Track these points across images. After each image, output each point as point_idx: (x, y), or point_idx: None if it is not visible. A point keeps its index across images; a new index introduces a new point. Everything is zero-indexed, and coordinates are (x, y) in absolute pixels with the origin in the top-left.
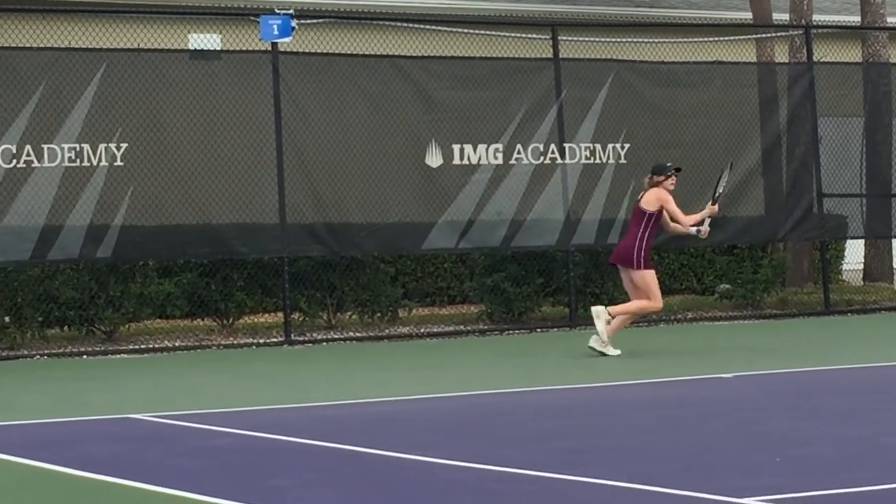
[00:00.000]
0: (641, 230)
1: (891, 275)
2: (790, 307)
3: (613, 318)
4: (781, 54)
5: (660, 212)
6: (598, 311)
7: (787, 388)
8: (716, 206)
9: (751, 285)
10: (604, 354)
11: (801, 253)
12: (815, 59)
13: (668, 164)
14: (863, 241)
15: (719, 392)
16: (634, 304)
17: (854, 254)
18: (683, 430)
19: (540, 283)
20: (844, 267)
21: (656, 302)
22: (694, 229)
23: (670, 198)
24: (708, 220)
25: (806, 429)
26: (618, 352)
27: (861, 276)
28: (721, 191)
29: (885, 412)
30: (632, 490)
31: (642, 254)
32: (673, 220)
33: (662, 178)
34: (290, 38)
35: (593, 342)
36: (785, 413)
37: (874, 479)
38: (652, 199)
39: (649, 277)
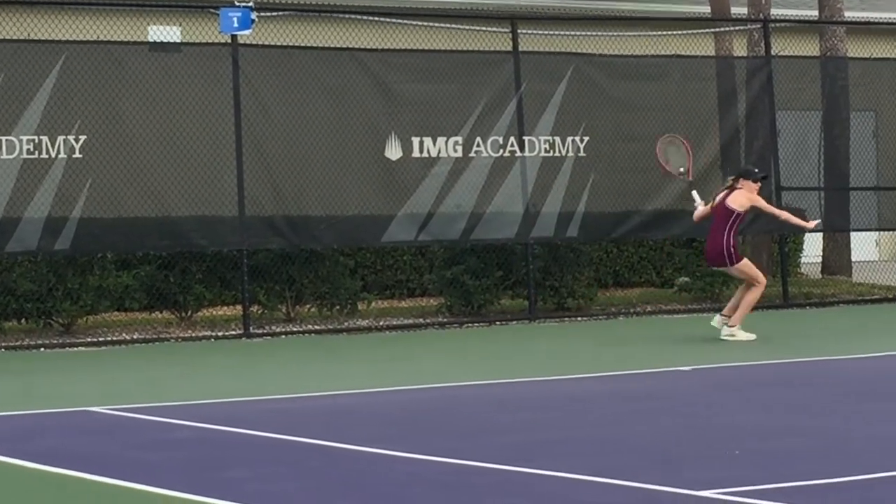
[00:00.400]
0: (728, 228)
1: (849, 268)
2: None
3: (731, 318)
4: (740, 48)
5: (746, 211)
6: (717, 323)
7: (746, 381)
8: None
9: (709, 278)
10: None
11: (759, 246)
12: (773, 52)
13: (757, 170)
14: (821, 234)
15: (678, 385)
16: (747, 300)
17: (812, 247)
18: (642, 422)
19: (499, 275)
20: (803, 260)
21: (761, 283)
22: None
23: (756, 196)
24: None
25: (764, 421)
26: (753, 336)
27: (819, 269)
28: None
29: (843, 404)
30: (590, 482)
31: (732, 250)
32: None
33: (751, 182)
34: (250, 30)
35: (724, 335)
36: (743, 406)
37: (833, 472)
38: (743, 199)
39: (745, 266)
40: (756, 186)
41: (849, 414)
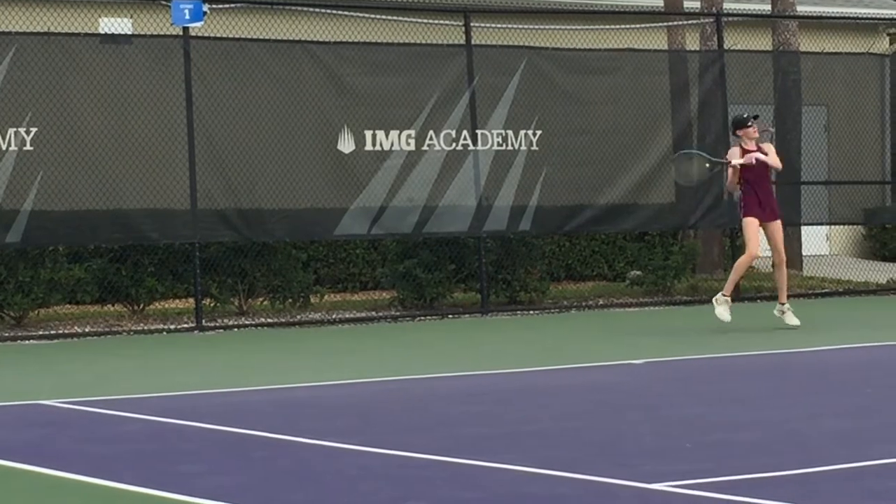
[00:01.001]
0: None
1: (800, 262)
2: (701, 294)
3: (729, 297)
4: (692, 42)
5: (746, 164)
6: (717, 298)
7: (698, 374)
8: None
9: (661, 272)
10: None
11: (711, 240)
12: (725, 46)
13: (745, 115)
14: None
15: (630, 378)
16: (736, 270)
17: (763, 241)
18: (595, 415)
19: (452, 269)
20: None
21: (747, 252)
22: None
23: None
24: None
25: (717, 414)
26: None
27: (770, 262)
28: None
29: (795, 398)
30: (543, 476)
31: (740, 204)
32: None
33: (744, 129)
34: (202, 22)
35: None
36: (696, 399)
37: (785, 464)
38: (736, 153)
39: (743, 226)
40: (752, 130)
41: (799, 407)
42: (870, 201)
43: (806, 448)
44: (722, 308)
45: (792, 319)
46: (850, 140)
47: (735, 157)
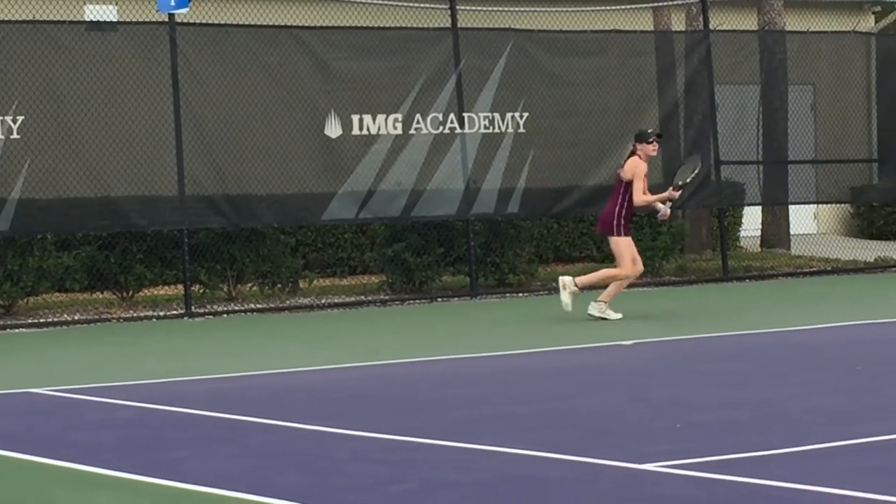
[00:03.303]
0: (621, 198)
1: (788, 241)
2: (689, 274)
3: (581, 289)
4: (678, 23)
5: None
6: (565, 282)
7: (687, 355)
8: (676, 193)
9: (650, 252)
10: (605, 319)
11: (699, 220)
12: (711, 27)
13: (650, 131)
14: (760, 207)
15: (620, 359)
16: (601, 273)
17: (751, 221)
18: (584, 397)
19: (440, 252)
20: (742, 234)
21: (625, 269)
22: (659, 206)
23: (641, 170)
24: (668, 203)
25: (706, 394)
26: (619, 315)
27: (758, 242)
28: (685, 182)
29: (784, 377)
30: (533, 457)
31: (622, 221)
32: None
33: (643, 144)
34: (187, 9)
35: (592, 309)
36: (685, 379)
37: (775, 444)
38: (629, 167)
39: (623, 245)
40: (651, 147)
41: (788, 386)
42: (857, 180)
43: (795, 427)
44: (611, 312)
45: (610, 314)
46: (837, 119)
47: (641, 167)
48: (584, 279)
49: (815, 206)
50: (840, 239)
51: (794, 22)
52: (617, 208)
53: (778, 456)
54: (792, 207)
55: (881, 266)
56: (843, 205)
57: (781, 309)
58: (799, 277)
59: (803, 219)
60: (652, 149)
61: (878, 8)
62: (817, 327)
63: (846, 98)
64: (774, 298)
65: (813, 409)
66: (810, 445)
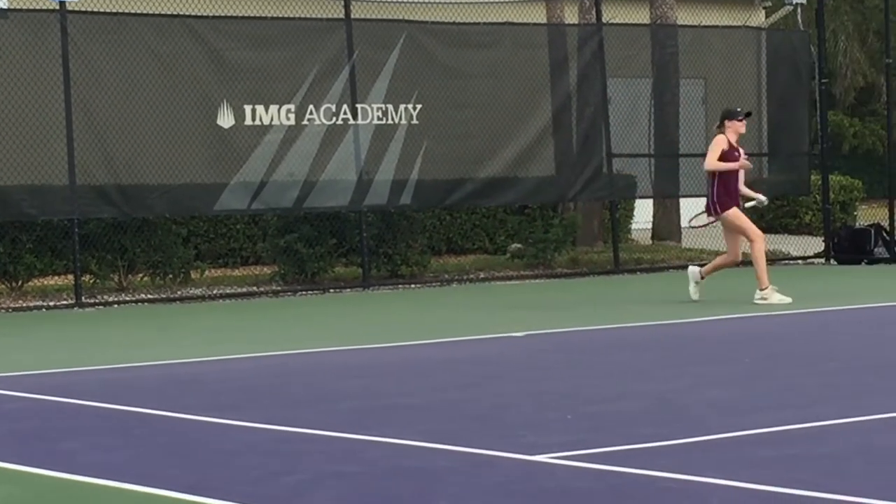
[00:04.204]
0: (711, 179)
1: (678, 234)
2: (581, 266)
3: (704, 278)
4: (571, 15)
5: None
6: (692, 273)
7: (579, 346)
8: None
9: (542, 245)
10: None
11: (591, 212)
12: (604, 20)
13: (739, 109)
14: (651, 200)
15: (511, 350)
16: (720, 259)
17: (643, 213)
18: (476, 388)
19: (333, 243)
20: (633, 226)
21: (755, 237)
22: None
23: (716, 143)
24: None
25: (597, 386)
26: (789, 299)
27: (650, 235)
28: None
29: (675, 369)
30: (423, 448)
31: (716, 199)
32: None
33: (732, 121)
34: None
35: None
36: (576, 371)
37: (666, 435)
38: (723, 141)
39: (732, 216)
40: (740, 124)
41: (681, 377)
42: (747, 174)
43: (687, 418)
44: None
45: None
46: None
47: (720, 146)
48: (759, 279)
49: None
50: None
51: (686, 16)
52: (711, 188)
53: (669, 447)
54: (683, 200)
55: (771, 259)
56: None
57: (671, 301)
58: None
59: (694, 212)
60: (741, 125)
61: (769, 3)
62: (707, 320)
63: (737, 92)
64: (665, 291)
65: (703, 401)
66: (701, 437)
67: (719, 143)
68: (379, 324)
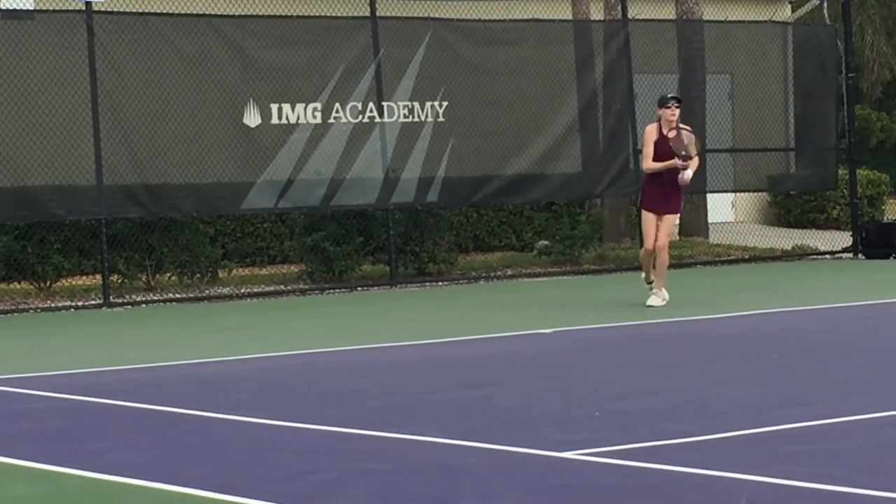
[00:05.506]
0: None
1: (706, 230)
2: (608, 263)
3: (651, 284)
4: (597, 12)
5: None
6: (646, 285)
7: (606, 343)
8: (682, 162)
9: (569, 241)
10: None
11: (618, 209)
12: (629, 16)
13: (670, 96)
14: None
15: (539, 347)
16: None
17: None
18: (504, 385)
19: (360, 241)
20: None
21: (645, 244)
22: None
23: (647, 136)
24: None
25: (624, 382)
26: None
27: (677, 231)
28: (688, 153)
29: (702, 365)
30: (450, 446)
31: (641, 195)
32: None
33: (661, 109)
34: None
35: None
36: (604, 367)
37: (693, 431)
38: (653, 130)
39: (641, 219)
40: (669, 112)
41: (705, 374)
42: (774, 168)
43: (713, 414)
44: (652, 298)
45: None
46: (754, 108)
47: (652, 135)
48: (647, 276)
49: (733, 194)
50: (757, 227)
51: (711, 11)
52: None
53: (696, 443)
54: (710, 196)
55: (798, 254)
56: (760, 193)
57: (699, 297)
58: (717, 266)
59: (721, 207)
60: (670, 113)
61: None
62: (735, 315)
63: (763, 87)
64: (692, 287)
65: (730, 397)
66: (728, 433)
67: (650, 136)
68: (406, 322)
